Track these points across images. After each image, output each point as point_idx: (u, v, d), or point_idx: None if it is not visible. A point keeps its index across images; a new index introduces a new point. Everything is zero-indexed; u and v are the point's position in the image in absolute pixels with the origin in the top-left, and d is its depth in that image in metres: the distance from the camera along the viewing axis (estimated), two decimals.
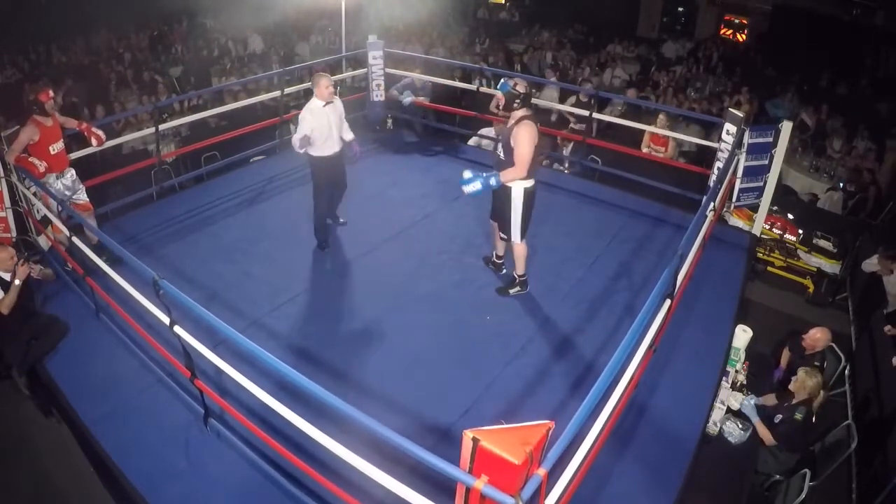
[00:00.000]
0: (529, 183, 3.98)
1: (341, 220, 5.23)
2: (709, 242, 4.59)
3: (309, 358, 3.77)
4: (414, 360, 3.81)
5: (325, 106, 4.48)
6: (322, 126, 4.47)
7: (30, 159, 4.22)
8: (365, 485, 2.38)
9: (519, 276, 4.42)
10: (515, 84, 3.83)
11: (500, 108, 3.90)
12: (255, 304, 4.24)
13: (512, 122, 3.88)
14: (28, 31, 11.22)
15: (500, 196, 4.07)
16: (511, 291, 4.45)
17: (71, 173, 4.50)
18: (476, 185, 3.87)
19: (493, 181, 3.88)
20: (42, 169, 4.23)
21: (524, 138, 3.74)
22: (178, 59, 11.32)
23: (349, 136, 4.85)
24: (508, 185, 3.93)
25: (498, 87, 3.90)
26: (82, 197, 4.58)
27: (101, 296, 3.94)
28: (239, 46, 11.88)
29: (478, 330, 4.12)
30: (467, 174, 3.93)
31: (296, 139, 4.46)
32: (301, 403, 2.69)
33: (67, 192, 4.45)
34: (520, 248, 4.25)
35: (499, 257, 4.64)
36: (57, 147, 4.32)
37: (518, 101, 3.81)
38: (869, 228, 6.51)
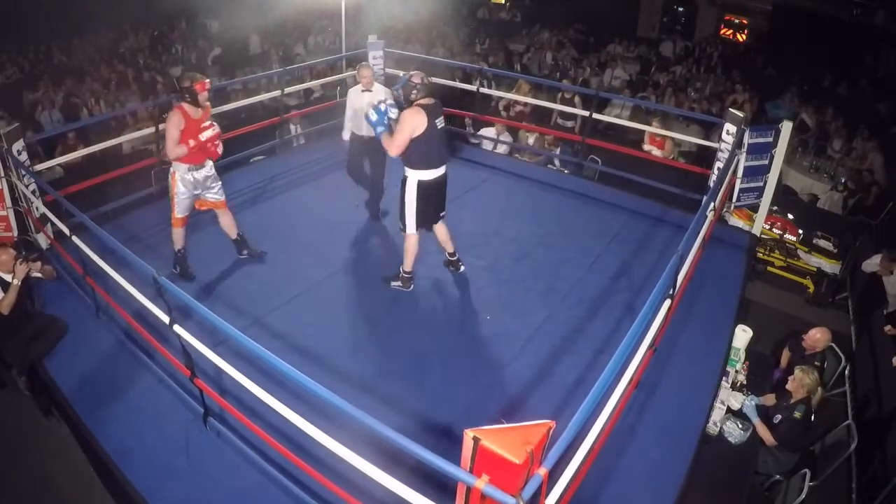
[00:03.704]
0: (427, 175, 3.99)
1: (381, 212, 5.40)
2: (709, 242, 4.58)
3: (309, 357, 3.77)
4: (414, 360, 3.81)
5: (363, 91, 5.05)
6: (356, 107, 5.07)
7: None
8: (365, 484, 2.38)
9: (404, 272, 4.38)
10: (411, 76, 3.97)
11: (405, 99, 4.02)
12: (256, 303, 4.24)
13: None
14: (28, 31, 11.24)
15: (400, 185, 4.11)
16: (392, 284, 4.42)
17: (208, 168, 4.26)
18: (372, 115, 4.01)
19: (386, 117, 3.96)
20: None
21: (403, 122, 3.87)
22: (178, 59, 11.33)
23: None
24: (405, 174, 4.03)
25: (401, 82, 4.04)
26: (213, 196, 4.37)
27: (101, 295, 3.94)
28: (239, 47, 11.88)
29: (478, 330, 4.12)
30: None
31: (346, 120, 5.22)
32: (301, 402, 2.68)
33: (196, 189, 4.24)
34: (409, 240, 4.23)
35: (451, 254, 4.58)
36: (195, 141, 4.06)
37: (415, 91, 3.95)
38: (869, 228, 6.51)
